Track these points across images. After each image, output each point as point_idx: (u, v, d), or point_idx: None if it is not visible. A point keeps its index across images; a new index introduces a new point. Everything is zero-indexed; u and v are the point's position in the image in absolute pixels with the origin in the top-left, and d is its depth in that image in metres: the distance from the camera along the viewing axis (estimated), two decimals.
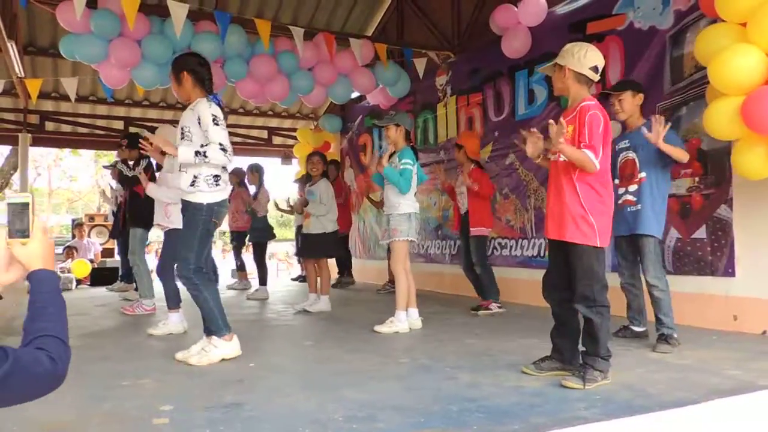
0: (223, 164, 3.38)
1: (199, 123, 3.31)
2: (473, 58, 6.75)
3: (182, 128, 3.40)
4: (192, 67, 3.41)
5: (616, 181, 3.74)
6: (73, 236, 11.01)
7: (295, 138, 10.34)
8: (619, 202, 3.69)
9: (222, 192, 3.46)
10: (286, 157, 10.91)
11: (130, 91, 9.19)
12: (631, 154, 3.68)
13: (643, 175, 3.63)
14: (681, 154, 3.53)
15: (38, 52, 7.94)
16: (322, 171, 5.92)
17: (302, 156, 9.84)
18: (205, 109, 3.30)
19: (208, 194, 3.37)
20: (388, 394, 2.65)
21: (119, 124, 9.75)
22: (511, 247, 6.14)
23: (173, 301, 4.47)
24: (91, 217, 11.74)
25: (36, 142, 9.30)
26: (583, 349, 2.83)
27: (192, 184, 3.37)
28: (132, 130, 9.72)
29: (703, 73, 3.88)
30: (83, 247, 9.91)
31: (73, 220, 12.26)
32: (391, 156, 4.48)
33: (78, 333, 4.40)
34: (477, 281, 5.44)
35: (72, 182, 27.46)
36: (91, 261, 9.42)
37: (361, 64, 6.37)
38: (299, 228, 9.04)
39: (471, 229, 5.27)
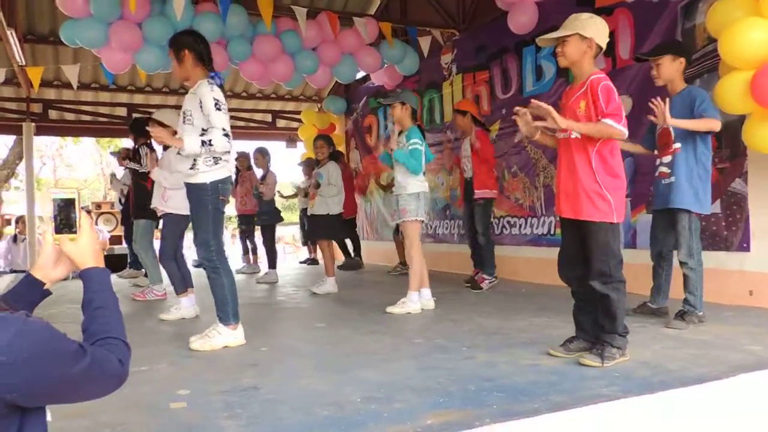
0: (226, 150, 3.32)
1: (201, 107, 3.26)
2: (479, 35, 6.65)
3: (184, 112, 3.35)
4: (192, 45, 3.33)
5: (656, 152, 3.67)
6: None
7: (299, 120, 10.26)
8: (656, 174, 3.62)
9: (223, 169, 3.39)
10: (291, 141, 10.84)
11: (132, 78, 9.12)
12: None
13: (677, 145, 3.47)
14: (708, 124, 3.34)
15: (38, 40, 7.87)
16: (328, 153, 5.88)
17: (307, 138, 9.78)
18: (207, 93, 3.23)
19: (209, 173, 3.31)
20: (405, 375, 2.63)
21: (122, 111, 9.69)
22: (520, 225, 6.10)
23: (180, 285, 4.46)
24: (98, 205, 11.73)
25: (40, 131, 9.26)
26: (601, 325, 2.79)
27: (192, 167, 3.32)
28: (135, 116, 9.70)
29: (716, 45, 3.80)
30: None
31: (81, 208, 12.25)
32: (400, 135, 4.43)
33: None
34: (476, 249, 5.41)
35: (71, 171, 27.44)
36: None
37: (366, 43, 6.28)
38: (304, 211, 9.05)
39: (475, 191, 5.23)
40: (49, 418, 1.19)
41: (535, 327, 3.60)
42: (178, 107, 10.06)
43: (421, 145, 4.33)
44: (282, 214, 7.72)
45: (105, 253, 8.81)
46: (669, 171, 3.51)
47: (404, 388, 2.42)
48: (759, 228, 3.96)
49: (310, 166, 8.91)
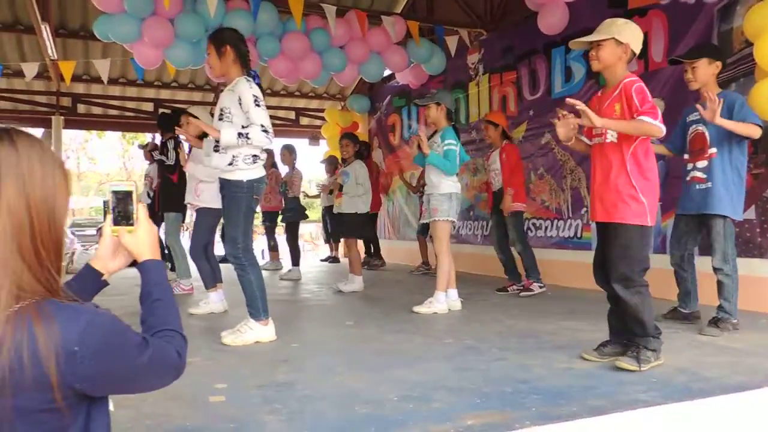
0: (265, 146, 3.34)
1: (240, 104, 3.28)
2: (506, 36, 6.62)
3: (221, 109, 3.36)
4: (234, 42, 3.36)
5: (686, 156, 3.62)
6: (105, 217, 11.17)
7: (322, 118, 10.30)
8: (687, 178, 3.57)
9: (260, 168, 3.42)
10: (314, 138, 10.89)
11: (160, 73, 9.22)
12: (701, 128, 3.47)
13: (713, 150, 3.42)
14: (749, 130, 3.29)
15: (69, 35, 7.98)
16: (353, 152, 5.89)
17: (330, 136, 9.82)
18: (246, 89, 3.25)
19: (247, 171, 3.34)
20: (439, 375, 2.63)
21: (149, 106, 9.80)
22: (546, 227, 6.06)
23: (209, 280, 4.50)
24: None
25: (68, 125, 9.39)
26: (631, 330, 2.74)
27: (230, 164, 3.34)
28: (161, 111, 9.80)
29: (753, 49, 3.75)
30: None
31: (105, 202, 12.38)
32: (432, 137, 4.43)
33: (122, 312, 4.42)
34: (507, 261, 5.39)
35: (93, 164, 27.82)
36: None
37: (394, 41, 6.28)
38: (327, 209, 9.08)
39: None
40: (111, 408, 1.21)
41: (565, 330, 3.58)
42: (204, 103, 10.22)
43: (455, 146, 4.31)
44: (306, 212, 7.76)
45: None
46: (704, 176, 3.46)
47: (440, 387, 2.43)
48: None
49: (332, 164, 8.94)
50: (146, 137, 11.19)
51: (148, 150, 6.38)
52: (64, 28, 7.89)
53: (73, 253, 8.19)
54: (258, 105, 3.26)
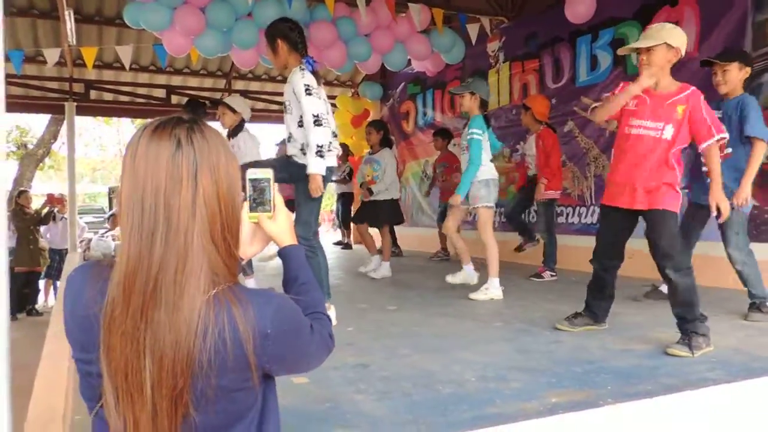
0: (323, 136, 3.30)
1: (295, 94, 3.32)
2: (529, 24, 6.67)
3: (284, 103, 3.43)
4: (285, 34, 3.37)
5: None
6: (114, 204, 11.18)
7: (333, 105, 10.31)
8: (705, 169, 3.68)
9: (332, 156, 3.43)
10: None
11: (171, 59, 9.18)
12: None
13: (729, 151, 3.54)
14: (758, 157, 3.42)
15: (84, 20, 7.93)
16: (378, 139, 5.93)
17: (341, 123, 9.82)
18: (298, 79, 3.27)
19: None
20: (504, 357, 2.72)
21: (160, 92, 9.77)
22: (568, 214, 6.16)
23: (245, 269, 4.56)
24: (113, 190, 11.88)
25: (80, 111, 9.35)
26: (681, 316, 2.84)
27: (303, 152, 3.37)
28: (173, 98, 9.78)
29: None
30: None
31: (110, 189, 12.41)
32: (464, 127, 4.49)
33: None
34: (519, 225, 5.53)
35: (87, 150, 27.57)
36: None
37: (418, 30, 6.31)
38: (341, 195, 9.12)
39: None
40: None
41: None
42: (214, 90, 10.18)
43: (480, 135, 4.36)
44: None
45: None
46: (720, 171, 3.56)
47: (511, 368, 2.52)
48: None
49: (343, 151, 8.98)
50: None
51: None
52: (79, 13, 7.83)
53: (88, 241, 8.19)
54: (309, 94, 3.27)
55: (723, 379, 2.30)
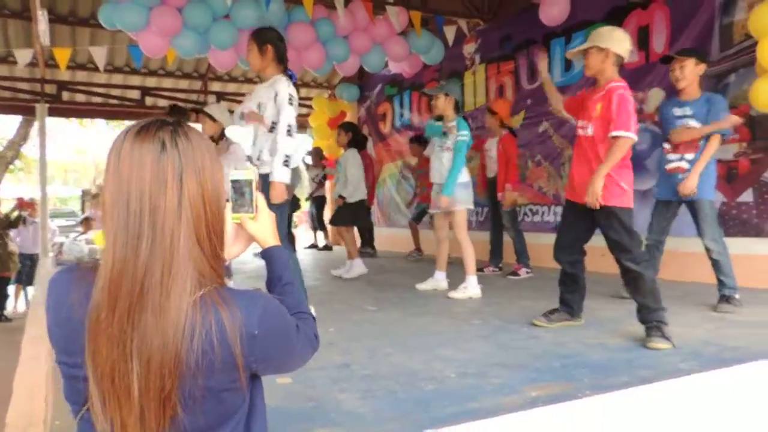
0: (291, 147, 3.39)
1: (275, 99, 3.37)
2: (504, 26, 6.76)
3: (259, 103, 3.46)
4: (276, 42, 3.48)
5: (667, 146, 3.83)
6: (87, 207, 11.02)
7: (309, 107, 10.29)
8: (670, 167, 3.79)
9: (291, 166, 3.49)
10: (301, 127, 10.87)
11: (146, 60, 9.08)
12: (694, 122, 3.68)
13: (702, 143, 3.67)
14: (728, 122, 3.61)
15: (57, 20, 7.81)
16: (346, 140, 5.96)
17: (318, 126, 9.83)
18: (284, 87, 3.38)
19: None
20: (484, 353, 2.77)
21: (134, 94, 9.67)
22: (543, 213, 6.26)
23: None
24: (93, 195, 11.72)
25: (52, 113, 9.19)
26: (646, 305, 2.92)
27: (258, 159, 3.45)
28: (148, 99, 9.68)
29: (754, 40, 3.97)
30: (100, 218, 9.88)
31: (83, 191, 12.22)
32: (440, 120, 4.53)
33: None
34: (496, 245, 5.70)
35: (57, 153, 27.04)
36: None
37: (397, 32, 6.36)
38: (314, 198, 9.12)
39: (499, 194, 5.40)
40: None
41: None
42: (190, 91, 10.09)
43: (467, 137, 4.44)
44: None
45: None
46: (688, 167, 3.69)
47: (491, 364, 2.57)
48: None
49: (318, 155, 9.00)
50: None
51: None
52: (52, 13, 7.71)
53: (60, 245, 8.06)
54: (291, 104, 3.40)
55: (696, 370, 2.37)
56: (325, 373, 2.49)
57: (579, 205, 3.11)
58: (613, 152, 2.96)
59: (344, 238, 5.84)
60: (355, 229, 6.43)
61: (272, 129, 3.37)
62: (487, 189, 5.64)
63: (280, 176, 3.29)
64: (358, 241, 7.86)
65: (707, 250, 3.70)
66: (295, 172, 3.55)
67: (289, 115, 3.34)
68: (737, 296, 3.65)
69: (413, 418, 1.96)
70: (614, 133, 2.94)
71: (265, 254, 1.32)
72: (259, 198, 1.28)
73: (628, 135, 2.94)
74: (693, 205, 3.73)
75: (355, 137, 6.02)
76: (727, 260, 3.68)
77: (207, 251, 1.04)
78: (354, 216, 5.93)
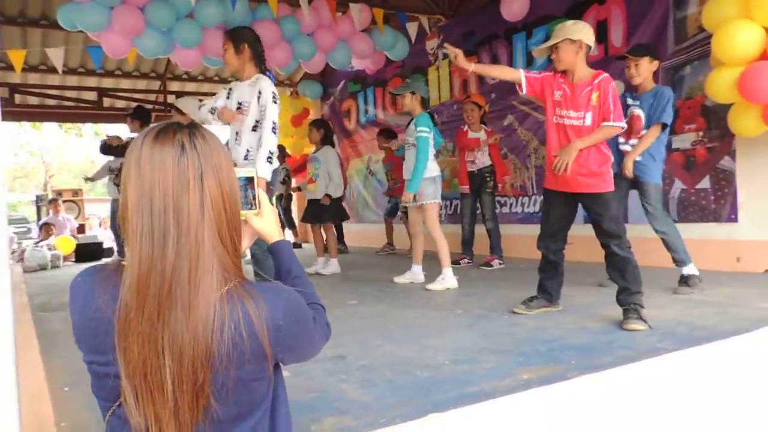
0: (275, 144, 3.46)
1: (259, 98, 3.40)
2: (466, 22, 6.88)
3: (240, 102, 3.47)
4: (252, 42, 3.51)
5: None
6: (43, 213, 10.70)
7: None
8: (620, 150, 3.93)
9: (274, 162, 3.53)
10: None
11: (103, 61, 8.87)
12: (638, 111, 3.88)
13: (644, 133, 3.84)
14: (653, 135, 3.79)
15: (6, 22, 7.56)
16: (320, 137, 5.98)
17: (280, 123, 9.75)
18: (267, 86, 3.43)
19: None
20: (471, 341, 2.86)
21: (91, 95, 9.42)
22: (511, 204, 6.42)
23: None
24: (59, 193, 11.39)
25: (5, 116, 8.88)
26: (626, 288, 3.06)
27: (245, 158, 3.46)
28: (105, 100, 9.45)
29: (707, 34, 4.19)
30: (59, 224, 9.63)
31: (38, 197, 11.84)
32: (408, 124, 4.64)
33: None
34: (470, 237, 5.81)
35: (33, 156, 26.10)
36: (74, 237, 9.19)
37: (359, 29, 6.40)
38: (279, 196, 9.09)
39: (498, 183, 5.62)
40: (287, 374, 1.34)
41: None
42: (148, 91, 9.89)
43: (428, 133, 4.52)
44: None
45: (77, 243, 8.62)
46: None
47: (480, 350, 2.66)
48: (746, 200, 4.40)
49: (281, 153, 8.96)
50: (85, 127, 10.72)
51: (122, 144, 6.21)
52: (1, 15, 7.47)
53: (22, 252, 7.83)
54: (275, 102, 3.44)
55: (671, 348, 2.52)
56: (321, 366, 2.54)
57: (563, 194, 3.22)
58: (599, 133, 3.08)
59: (327, 235, 5.86)
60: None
61: (255, 128, 3.41)
62: (470, 182, 5.71)
63: (263, 172, 3.32)
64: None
65: (656, 231, 3.87)
66: (275, 173, 3.57)
67: (273, 113, 3.40)
68: (696, 273, 3.81)
69: (416, 403, 2.03)
70: (612, 124, 3.06)
71: (272, 248, 1.37)
72: (261, 194, 1.32)
73: (623, 125, 3.11)
74: (640, 188, 3.90)
75: (327, 134, 6.05)
76: (675, 238, 3.85)
77: (229, 247, 1.08)
78: (337, 212, 5.98)
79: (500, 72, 3.48)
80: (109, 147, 6.32)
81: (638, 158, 3.84)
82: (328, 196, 5.75)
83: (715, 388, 2.28)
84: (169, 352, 1.01)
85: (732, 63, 3.88)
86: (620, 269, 3.11)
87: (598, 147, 3.12)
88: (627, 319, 2.97)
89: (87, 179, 7.34)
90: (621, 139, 3.95)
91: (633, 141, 3.90)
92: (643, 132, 3.86)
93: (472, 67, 3.28)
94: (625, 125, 3.13)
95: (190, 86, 10.14)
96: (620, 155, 3.89)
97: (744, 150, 4.38)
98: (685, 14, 4.66)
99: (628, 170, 3.80)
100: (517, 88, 3.33)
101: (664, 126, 3.81)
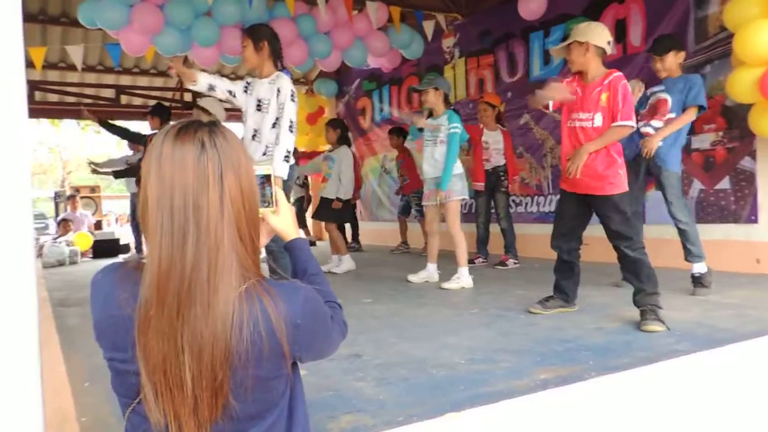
0: (292, 142, 3.49)
1: (278, 96, 3.42)
2: (483, 20, 6.85)
3: (259, 100, 3.50)
4: (271, 39, 3.53)
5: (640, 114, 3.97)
6: (61, 209, 10.84)
7: None
8: (641, 133, 3.90)
9: (290, 161, 3.55)
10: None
11: (121, 58, 8.95)
12: (665, 95, 3.87)
13: (672, 116, 3.83)
14: (686, 118, 3.78)
15: (27, 19, 7.64)
16: (336, 137, 5.98)
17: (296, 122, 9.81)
18: (286, 84, 3.46)
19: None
20: (487, 340, 2.86)
21: (109, 92, 9.51)
22: (526, 204, 6.39)
23: None
24: (77, 189, 11.53)
25: None
26: (642, 289, 3.04)
27: (264, 153, 3.48)
28: (123, 98, 9.54)
29: (728, 33, 4.14)
30: (77, 220, 9.74)
31: (56, 193, 11.98)
32: (429, 116, 4.62)
33: None
34: (485, 237, 5.78)
35: (51, 153, 26.35)
36: (91, 233, 9.29)
37: (375, 27, 6.40)
38: (297, 199, 9.12)
39: (510, 183, 5.58)
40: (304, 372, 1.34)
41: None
42: (166, 89, 9.97)
43: (459, 129, 4.53)
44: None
45: (94, 239, 8.71)
46: (654, 132, 3.85)
47: (496, 350, 2.65)
48: (766, 201, 4.34)
49: (294, 155, 8.99)
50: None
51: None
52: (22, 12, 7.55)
53: (41, 247, 7.93)
54: (293, 100, 3.47)
55: (690, 351, 2.49)
56: (337, 364, 2.54)
57: (576, 195, 3.21)
58: (609, 134, 3.07)
59: (331, 234, 5.87)
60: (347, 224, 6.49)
61: (275, 125, 3.43)
62: (486, 180, 5.69)
63: (280, 171, 3.34)
64: (348, 236, 7.90)
65: (675, 219, 3.83)
66: (293, 168, 3.58)
67: (291, 111, 3.42)
68: (704, 271, 3.76)
69: (432, 402, 2.03)
70: (621, 123, 3.04)
71: (289, 246, 1.37)
72: (278, 192, 1.32)
73: (632, 124, 3.08)
74: (661, 176, 3.85)
75: (343, 134, 6.06)
76: (693, 229, 3.82)
77: (248, 245, 1.08)
78: (340, 214, 5.98)
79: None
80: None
81: (660, 143, 3.79)
82: (339, 200, 5.76)
83: (735, 390, 2.25)
84: (189, 350, 1.02)
85: (754, 63, 3.83)
86: (633, 271, 3.09)
87: (607, 150, 3.11)
88: (644, 320, 2.94)
89: (91, 164, 7.35)
90: (639, 123, 3.91)
91: (656, 122, 3.87)
92: (671, 115, 3.82)
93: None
94: (634, 125, 3.10)
95: None
96: (639, 136, 3.86)
97: (765, 150, 4.32)
98: (706, 13, 4.61)
99: (651, 149, 3.75)
100: (543, 108, 3.32)
101: (700, 109, 3.78)
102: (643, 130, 3.89)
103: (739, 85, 3.96)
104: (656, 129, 3.86)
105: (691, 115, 3.78)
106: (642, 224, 4.13)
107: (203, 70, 3.86)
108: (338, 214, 5.90)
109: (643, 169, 3.93)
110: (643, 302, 3.02)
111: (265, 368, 1.05)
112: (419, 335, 3.02)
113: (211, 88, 3.63)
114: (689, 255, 3.83)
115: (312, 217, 6.18)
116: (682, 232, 3.84)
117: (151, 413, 1.04)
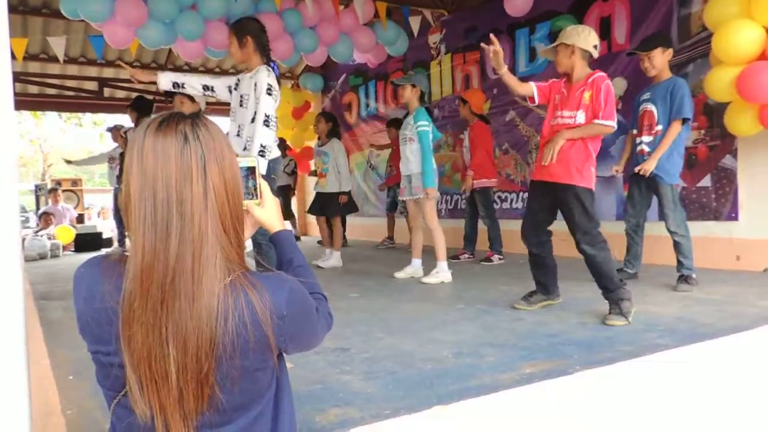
0: (269, 138, 3.44)
1: (255, 90, 3.40)
2: (469, 16, 6.87)
3: (241, 95, 3.47)
4: (255, 33, 3.47)
5: (635, 131, 4.05)
6: (41, 202, 10.70)
7: None
8: (636, 150, 4.01)
9: (275, 150, 3.53)
10: None
11: (104, 50, 8.84)
12: (650, 106, 3.91)
13: (659, 128, 3.88)
14: (672, 132, 3.80)
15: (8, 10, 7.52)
16: (327, 130, 5.99)
17: (281, 116, 9.78)
18: (263, 78, 3.39)
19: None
20: (473, 335, 2.88)
21: (91, 85, 9.40)
22: (511, 200, 6.43)
23: None
24: (59, 182, 11.39)
25: None
26: (604, 286, 3.11)
27: (245, 149, 3.47)
28: (106, 90, 9.43)
29: (710, 32, 4.19)
30: (59, 213, 9.63)
31: (37, 186, 11.82)
32: (405, 117, 4.66)
33: None
34: (471, 234, 5.82)
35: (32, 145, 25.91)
36: (73, 227, 9.19)
37: (362, 23, 6.39)
38: (280, 188, 9.09)
39: (474, 182, 5.55)
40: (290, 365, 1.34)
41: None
42: (148, 81, 9.85)
43: (428, 127, 4.55)
44: None
45: (76, 232, 8.62)
46: (649, 150, 3.91)
47: (482, 344, 2.68)
48: (747, 199, 4.41)
49: (281, 145, 8.97)
50: (85, 117, 10.70)
51: (123, 132, 6.22)
52: None
53: (22, 240, 7.82)
54: (270, 94, 3.42)
55: (671, 345, 2.53)
56: (323, 357, 2.55)
57: (545, 187, 3.25)
58: (589, 128, 3.12)
59: (335, 228, 5.89)
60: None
61: (254, 119, 3.39)
62: (465, 179, 5.72)
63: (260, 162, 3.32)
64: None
65: (670, 232, 3.89)
66: (277, 160, 3.56)
67: (266, 106, 3.36)
68: (694, 276, 3.85)
69: (419, 395, 2.04)
70: (603, 122, 3.09)
71: (274, 238, 1.37)
72: (263, 184, 1.32)
73: (613, 124, 3.12)
74: (657, 190, 3.92)
75: (334, 127, 6.08)
76: (687, 243, 3.88)
77: (232, 238, 1.08)
78: (347, 205, 6.02)
79: (518, 86, 3.39)
80: None
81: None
82: (344, 194, 5.79)
83: (715, 384, 2.30)
84: (173, 342, 1.02)
85: (731, 62, 3.88)
86: (595, 271, 3.14)
87: (584, 143, 3.15)
88: (608, 314, 3.02)
89: (67, 162, 7.28)
90: (636, 140, 4.00)
91: (646, 138, 3.92)
92: (658, 128, 3.86)
93: (504, 68, 3.27)
94: (615, 125, 3.13)
95: None
96: (639, 160, 3.91)
97: (746, 149, 4.39)
98: (689, 12, 4.67)
99: (647, 171, 3.81)
100: (528, 101, 3.39)
101: (684, 120, 3.80)
102: (639, 148, 3.95)
103: (716, 83, 4.01)
104: (647, 144, 3.90)
105: (677, 128, 3.79)
106: (642, 238, 4.22)
107: (186, 68, 3.83)
108: (345, 206, 5.95)
109: (644, 183, 3.99)
110: (607, 297, 3.10)
111: (250, 359, 1.06)
112: (406, 329, 3.04)
113: (177, 85, 3.60)
114: (681, 267, 3.88)
115: (309, 212, 6.16)
116: (676, 244, 3.89)
117: (137, 405, 1.04)
